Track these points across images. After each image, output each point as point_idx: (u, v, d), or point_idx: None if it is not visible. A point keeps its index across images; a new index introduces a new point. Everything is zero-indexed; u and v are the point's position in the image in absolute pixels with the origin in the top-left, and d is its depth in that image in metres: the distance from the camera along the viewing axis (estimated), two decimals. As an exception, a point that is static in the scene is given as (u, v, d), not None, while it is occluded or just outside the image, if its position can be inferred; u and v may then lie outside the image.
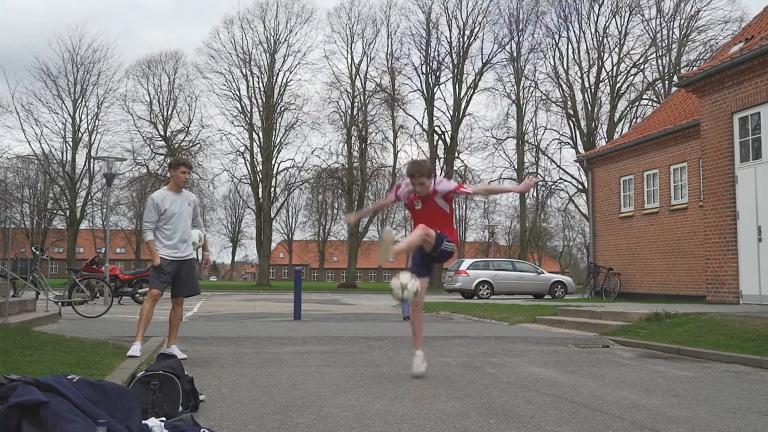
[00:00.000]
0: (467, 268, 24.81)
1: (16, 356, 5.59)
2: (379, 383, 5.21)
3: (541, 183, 46.50)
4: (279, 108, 47.02)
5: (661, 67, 40.94)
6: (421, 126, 46.43)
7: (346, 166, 46.45)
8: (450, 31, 46.18)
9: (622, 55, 41.92)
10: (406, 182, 5.79)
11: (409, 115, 54.95)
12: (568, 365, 6.44)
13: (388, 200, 6.25)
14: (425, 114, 46.37)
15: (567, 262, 71.19)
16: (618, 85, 42.12)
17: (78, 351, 6.20)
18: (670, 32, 40.48)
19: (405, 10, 71.93)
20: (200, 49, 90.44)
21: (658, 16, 40.75)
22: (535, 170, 46.52)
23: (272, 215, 49.34)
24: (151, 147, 47.00)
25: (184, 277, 6.65)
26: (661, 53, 40.70)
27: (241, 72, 47.04)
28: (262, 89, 47.19)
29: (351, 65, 47.44)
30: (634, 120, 40.59)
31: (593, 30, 42.69)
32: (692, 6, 39.82)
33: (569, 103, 43.07)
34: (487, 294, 24.22)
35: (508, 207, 55.95)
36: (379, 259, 5.58)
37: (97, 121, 48.04)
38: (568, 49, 43.51)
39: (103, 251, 18.23)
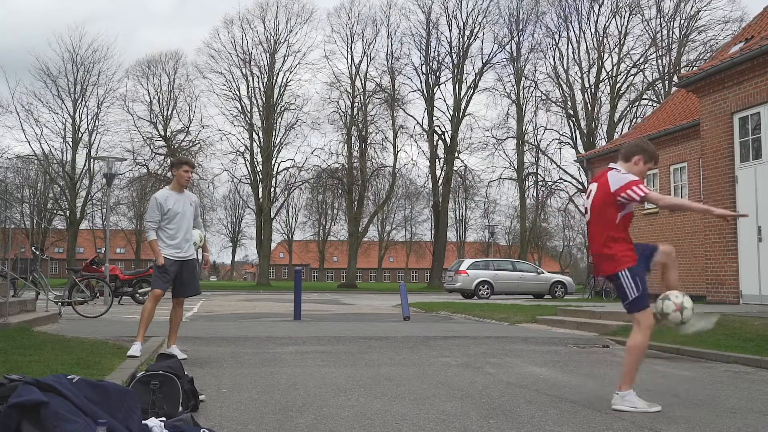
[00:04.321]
0: (467, 268, 24.81)
1: (16, 356, 5.59)
2: (379, 383, 5.21)
3: (541, 183, 46.58)
4: (279, 108, 47.03)
5: (661, 67, 40.97)
6: (421, 126, 46.48)
7: (346, 166, 46.44)
8: (450, 31, 46.27)
9: (622, 55, 41.95)
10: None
11: (409, 115, 54.91)
12: (568, 365, 6.44)
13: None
14: (425, 114, 46.43)
15: (567, 262, 71.18)
16: (618, 85, 42.13)
17: (78, 351, 6.19)
18: (670, 32, 40.52)
19: (405, 10, 72.03)
20: (200, 49, 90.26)
21: (658, 16, 40.80)
22: (535, 170, 46.57)
23: (272, 215, 49.33)
24: (151, 147, 47.03)
25: (186, 278, 6.64)
26: (661, 53, 40.72)
27: (241, 72, 47.12)
28: (262, 89, 47.23)
29: (351, 65, 47.50)
30: (634, 120, 40.60)
31: (593, 30, 42.75)
32: (692, 6, 39.86)
33: (569, 103, 43.08)
34: (487, 294, 24.21)
35: (508, 207, 55.92)
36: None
37: (97, 121, 48.17)
38: (568, 49, 43.57)
39: (103, 251, 18.22)
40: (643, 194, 4.39)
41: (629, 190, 4.39)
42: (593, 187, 4.64)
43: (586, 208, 4.70)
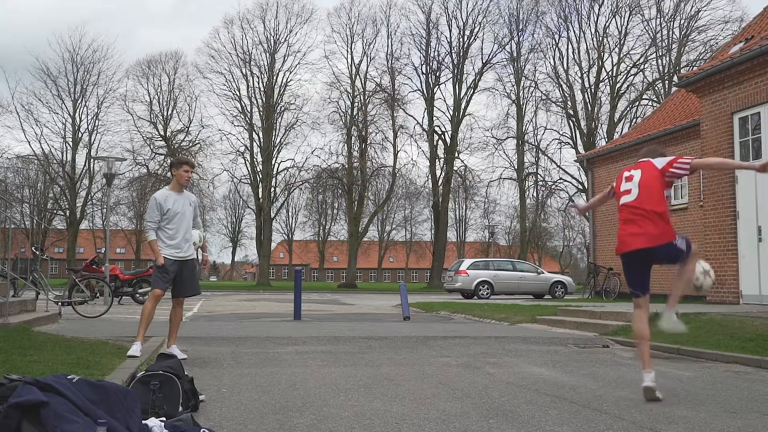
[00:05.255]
0: (467, 268, 24.80)
1: (16, 356, 5.58)
2: (379, 383, 5.21)
3: (541, 183, 46.56)
4: (279, 108, 47.00)
5: (661, 67, 40.95)
6: (421, 126, 46.45)
7: (346, 166, 46.43)
8: (450, 31, 46.21)
9: (622, 55, 41.93)
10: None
11: (409, 115, 54.86)
12: (568, 365, 6.44)
13: None
14: (425, 114, 46.39)
15: (567, 262, 71.16)
16: (618, 85, 42.12)
17: (78, 351, 6.19)
18: (670, 32, 40.50)
19: (405, 10, 71.93)
20: (200, 49, 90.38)
21: (658, 16, 40.77)
22: (535, 170, 46.55)
23: (272, 215, 49.31)
24: (151, 147, 47.00)
25: (186, 277, 6.65)
26: (661, 53, 40.70)
27: (241, 72, 47.07)
28: (262, 89, 47.19)
29: (351, 65, 47.44)
30: (634, 120, 40.58)
31: (593, 30, 42.71)
32: (692, 6, 39.83)
33: (569, 103, 43.07)
34: (487, 294, 24.21)
35: (508, 207, 55.88)
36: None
37: (97, 121, 48.14)
38: (568, 49, 43.54)
39: (103, 251, 18.21)
40: (688, 163, 4.57)
41: (675, 165, 4.59)
42: (636, 172, 4.77)
43: (625, 191, 4.80)
